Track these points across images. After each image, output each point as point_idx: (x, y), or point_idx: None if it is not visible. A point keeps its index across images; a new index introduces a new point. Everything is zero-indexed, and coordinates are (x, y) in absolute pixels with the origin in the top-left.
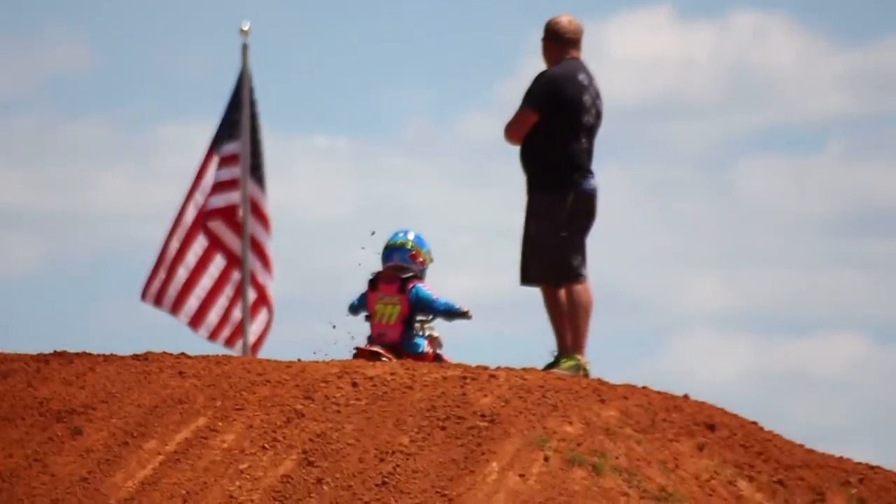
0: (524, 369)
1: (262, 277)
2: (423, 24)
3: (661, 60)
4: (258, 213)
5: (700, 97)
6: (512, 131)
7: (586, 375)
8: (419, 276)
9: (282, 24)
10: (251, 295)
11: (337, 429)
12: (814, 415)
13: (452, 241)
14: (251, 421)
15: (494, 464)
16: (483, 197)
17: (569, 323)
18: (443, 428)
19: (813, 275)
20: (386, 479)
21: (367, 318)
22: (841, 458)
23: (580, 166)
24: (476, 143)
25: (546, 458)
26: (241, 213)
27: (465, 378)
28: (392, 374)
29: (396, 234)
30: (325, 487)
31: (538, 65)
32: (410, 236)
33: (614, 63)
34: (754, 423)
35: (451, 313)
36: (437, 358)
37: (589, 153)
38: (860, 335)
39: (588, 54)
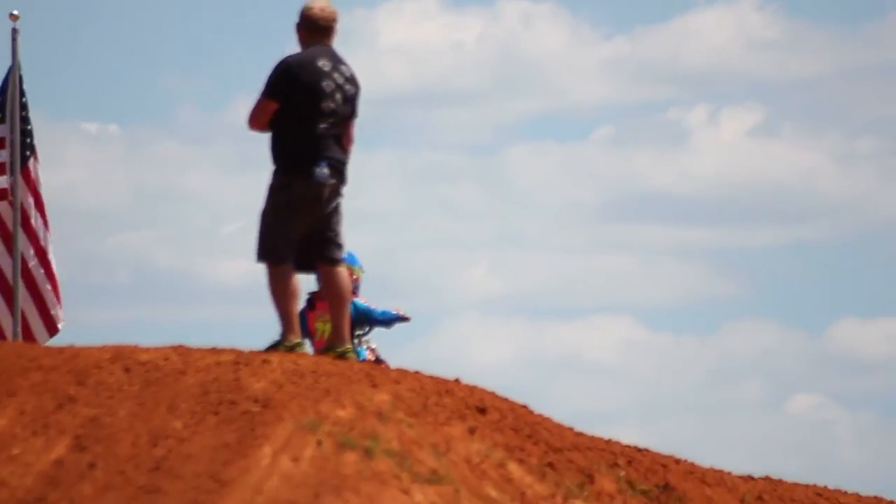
0: (297, 354)
1: (32, 263)
2: (193, 11)
3: (431, 48)
4: (37, 199)
5: (469, 84)
6: (252, 120)
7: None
8: (354, 292)
9: (54, 10)
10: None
11: (109, 413)
12: (583, 398)
13: (225, 227)
14: (23, 406)
15: (267, 448)
16: (256, 182)
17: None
18: (216, 413)
19: (582, 260)
20: (159, 464)
21: (308, 337)
22: (609, 440)
23: (313, 153)
24: (246, 130)
25: (319, 443)
26: (10, 197)
27: (238, 363)
28: (165, 358)
29: None
30: (98, 472)
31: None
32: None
33: (384, 51)
34: (524, 406)
35: (390, 320)
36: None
37: (329, 139)
38: (629, 319)
39: (357, 42)
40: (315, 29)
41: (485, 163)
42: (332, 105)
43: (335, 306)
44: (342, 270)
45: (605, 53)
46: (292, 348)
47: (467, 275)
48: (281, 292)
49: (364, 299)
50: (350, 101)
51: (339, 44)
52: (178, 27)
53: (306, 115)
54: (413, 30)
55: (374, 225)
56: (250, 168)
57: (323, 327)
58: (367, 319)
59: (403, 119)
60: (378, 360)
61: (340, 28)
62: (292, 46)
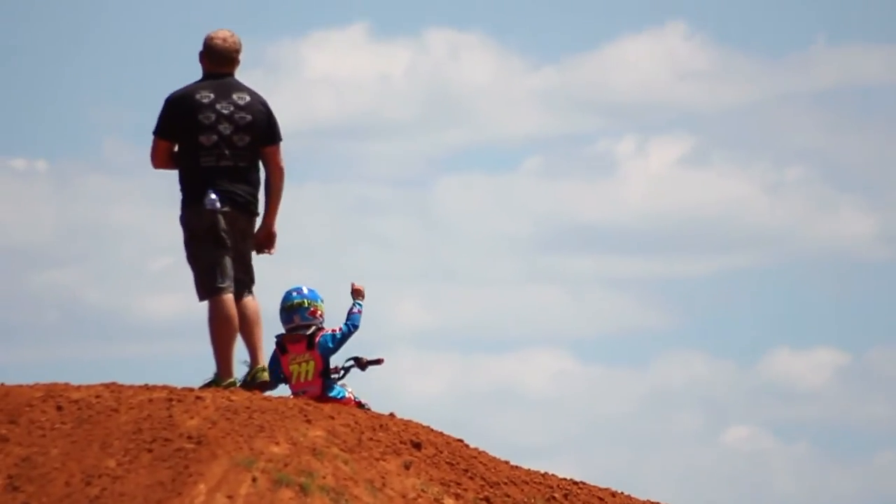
0: (230, 390)
1: None
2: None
3: (358, 79)
4: None
5: (397, 116)
6: (151, 159)
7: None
8: (322, 327)
9: None
10: None
11: (42, 453)
12: (518, 431)
13: (155, 262)
14: None
15: (202, 485)
16: None
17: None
18: (150, 450)
19: (514, 292)
20: (93, 503)
21: (284, 381)
22: (546, 473)
23: (200, 185)
24: None
25: (254, 479)
26: None
27: (171, 400)
28: (97, 396)
29: (290, 295)
30: None
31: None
32: (305, 291)
33: (310, 82)
34: (460, 440)
35: (351, 332)
36: (361, 405)
37: (217, 172)
38: (562, 352)
39: (283, 73)
40: (214, 59)
41: (414, 195)
42: (213, 137)
43: (248, 335)
44: (250, 300)
45: (534, 84)
46: (227, 387)
47: (399, 309)
48: (215, 330)
49: (328, 329)
50: (248, 130)
51: (264, 75)
52: (105, 60)
53: (188, 149)
54: (340, 61)
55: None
56: (179, 203)
57: (299, 369)
58: (336, 342)
59: (331, 151)
60: (359, 403)
61: (265, 58)
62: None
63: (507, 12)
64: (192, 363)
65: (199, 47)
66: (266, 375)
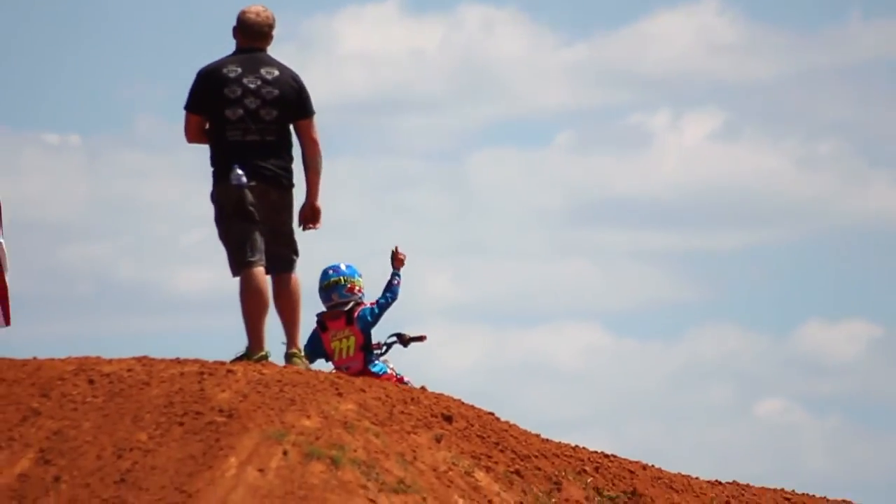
0: (262, 363)
1: None
2: (152, 19)
3: (391, 55)
4: None
5: (431, 91)
6: (185, 133)
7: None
8: (361, 301)
9: (12, 21)
10: None
11: (74, 426)
12: (549, 405)
13: (186, 237)
14: None
15: (233, 459)
16: None
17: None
18: (181, 424)
19: (545, 266)
20: (124, 477)
21: (327, 358)
22: (576, 447)
23: (226, 160)
24: None
25: (285, 453)
26: None
27: (202, 374)
28: (129, 370)
29: (327, 274)
30: (63, 486)
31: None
32: (343, 268)
33: (344, 58)
34: (491, 413)
35: (389, 303)
36: (402, 381)
37: (244, 146)
38: (593, 325)
39: (316, 49)
40: (247, 34)
41: (447, 169)
42: (239, 111)
43: (284, 313)
44: (287, 277)
45: (567, 58)
46: (258, 361)
47: (431, 282)
48: (245, 303)
49: (366, 303)
50: (276, 104)
51: (297, 50)
52: (138, 36)
53: (215, 123)
54: (373, 36)
55: (335, 234)
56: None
57: (340, 345)
58: (374, 315)
59: (364, 126)
60: (399, 378)
61: (298, 33)
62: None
63: None
64: (224, 337)
65: (232, 22)
66: (301, 361)
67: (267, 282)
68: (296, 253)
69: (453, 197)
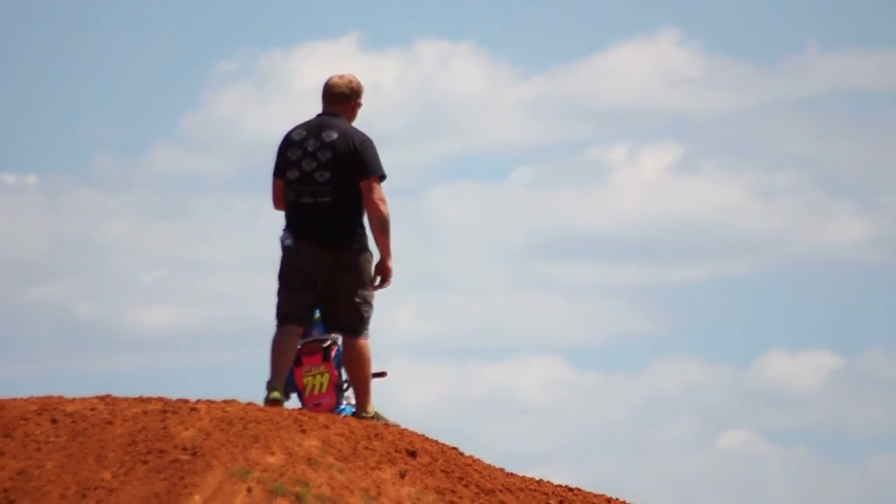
0: (225, 401)
1: None
2: (108, 58)
3: None
4: None
5: (388, 126)
6: (272, 201)
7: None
8: (335, 342)
9: None
10: None
11: (38, 466)
12: (513, 439)
13: (146, 275)
14: None
15: (197, 497)
16: (174, 229)
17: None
18: (145, 462)
19: (507, 300)
20: None
21: (297, 393)
22: (541, 480)
23: (287, 219)
24: (164, 176)
25: (249, 490)
26: None
27: (165, 412)
28: (92, 409)
29: None
30: None
31: (222, 97)
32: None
33: (301, 93)
34: (454, 448)
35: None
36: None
37: (299, 208)
38: (556, 359)
39: (273, 84)
40: (324, 97)
41: (406, 205)
42: (296, 173)
43: (349, 377)
44: (351, 343)
45: (524, 93)
46: (268, 401)
47: (393, 318)
48: (273, 349)
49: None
50: (328, 166)
51: (254, 85)
52: (93, 74)
53: (286, 185)
54: (330, 72)
55: None
56: (170, 215)
57: (313, 381)
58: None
59: None
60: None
61: (256, 69)
62: (209, 93)
63: (497, 22)
64: (186, 374)
65: (189, 60)
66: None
67: (291, 336)
68: (360, 319)
69: (413, 232)
